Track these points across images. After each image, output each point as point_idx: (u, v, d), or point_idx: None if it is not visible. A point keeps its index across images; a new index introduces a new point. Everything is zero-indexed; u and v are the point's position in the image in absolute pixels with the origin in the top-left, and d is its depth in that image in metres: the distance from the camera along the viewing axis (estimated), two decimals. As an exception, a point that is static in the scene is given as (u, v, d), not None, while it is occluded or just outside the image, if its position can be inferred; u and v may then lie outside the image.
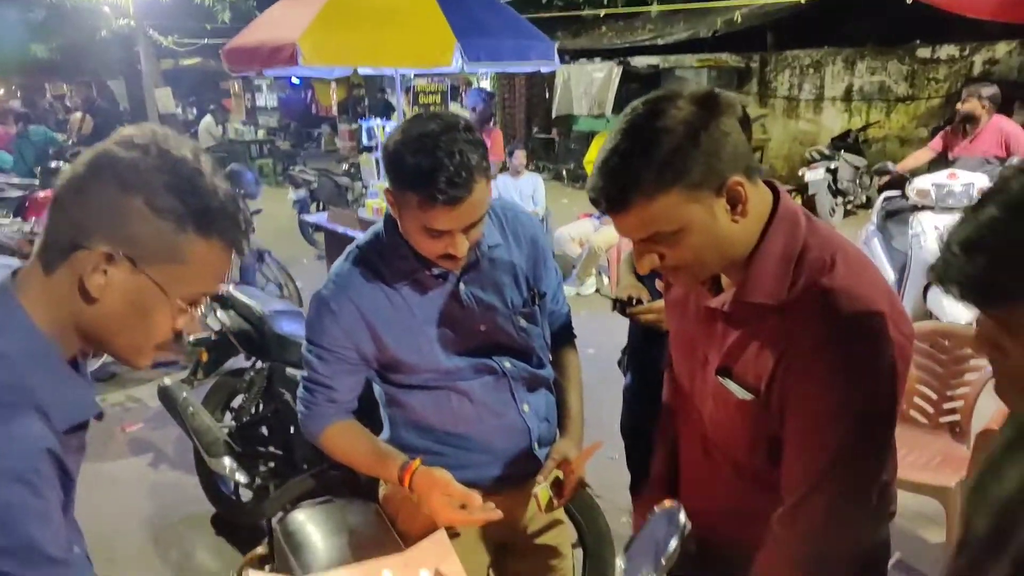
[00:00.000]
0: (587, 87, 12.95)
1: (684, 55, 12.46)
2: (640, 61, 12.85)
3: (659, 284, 1.92)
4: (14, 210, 6.34)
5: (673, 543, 1.09)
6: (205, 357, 3.48)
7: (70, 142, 9.25)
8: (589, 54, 13.58)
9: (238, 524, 3.16)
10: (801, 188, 8.60)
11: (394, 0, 4.63)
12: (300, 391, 1.59)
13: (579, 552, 2.46)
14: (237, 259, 4.86)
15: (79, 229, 0.89)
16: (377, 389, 1.65)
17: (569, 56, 14.00)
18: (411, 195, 1.34)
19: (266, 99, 22.02)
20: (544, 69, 5.26)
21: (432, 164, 1.30)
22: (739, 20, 8.33)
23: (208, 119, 13.47)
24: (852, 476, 1.11)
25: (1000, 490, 0.89)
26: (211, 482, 3.24)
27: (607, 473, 2.58)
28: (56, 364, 0.92)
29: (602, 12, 10.72)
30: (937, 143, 5.53)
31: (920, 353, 2.94)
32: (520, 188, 7.13)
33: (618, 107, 11.79)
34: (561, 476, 1.55)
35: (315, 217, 6.02)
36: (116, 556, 3.04)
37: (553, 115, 13.76)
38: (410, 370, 1.53)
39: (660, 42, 11.17)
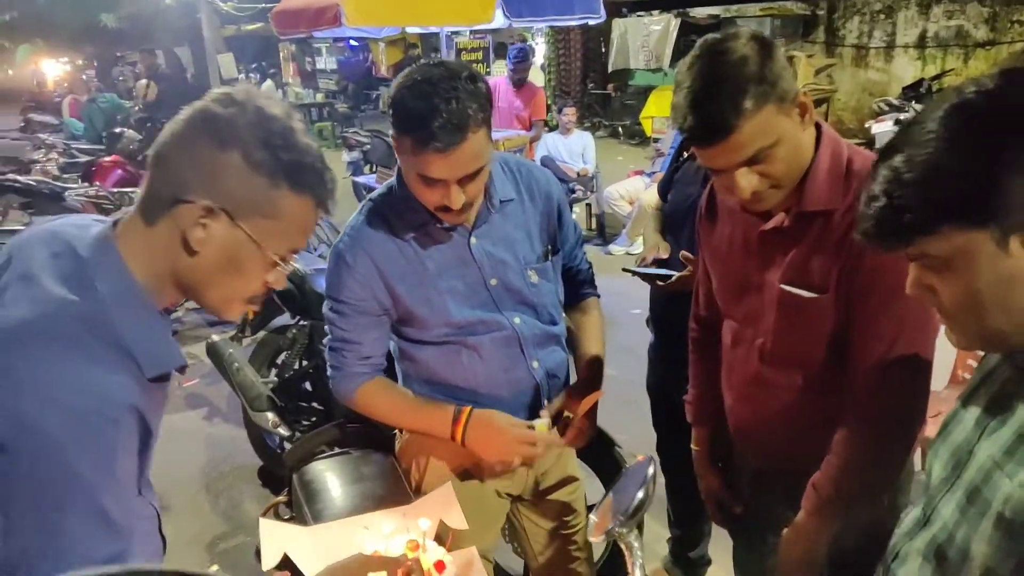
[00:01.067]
0: (644, 40, 12.64)
1: (746, 4, 11.99)
2: (699, 12, 12.44)
3: (683, 255, 1.92)
4: (82, 175, 6.61)
5: (639, 495, 1.11)
6: (251, 315, 3.60)
7: (136, 108, 9.55)
8: (646, 6, 13.20)
9: (281, 476, 3.29)
10: (868, 142, 8.24)
11: (436, -43, 4.59)
12: (327, 353, 1.61)
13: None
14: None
15: (180, 184, 0.92)
16: (392, 345, 1.68)
17: (626, 9, 13.65)
18: (407, 139, 1.35)
19: (325, 62, 22.19)
20: (591, 22, 5.13)
21: (427, 108, 1.30)
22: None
23: (269, 83, 13.70)
24: (918, 343, 1.27)
25: (957, 435, 0.91)
26: (257, 436, 3.37)
27: (640, 430, 2.58)
28: (149, 313, 0.95)
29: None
30: None
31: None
32: (570, 146, 7.04)
33: (676, 60, 11.46)
34: (569, 415, 1.56)
35: (365, 178, 6.09)
36: (170, 504, 3.21)
37: (609, 69, 13.49)
38: (421, 324, 1.55)
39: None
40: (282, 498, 1.69)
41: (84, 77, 14.18)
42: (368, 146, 9.11)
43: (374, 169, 8.50)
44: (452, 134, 1.30)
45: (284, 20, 5.01)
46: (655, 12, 13.05)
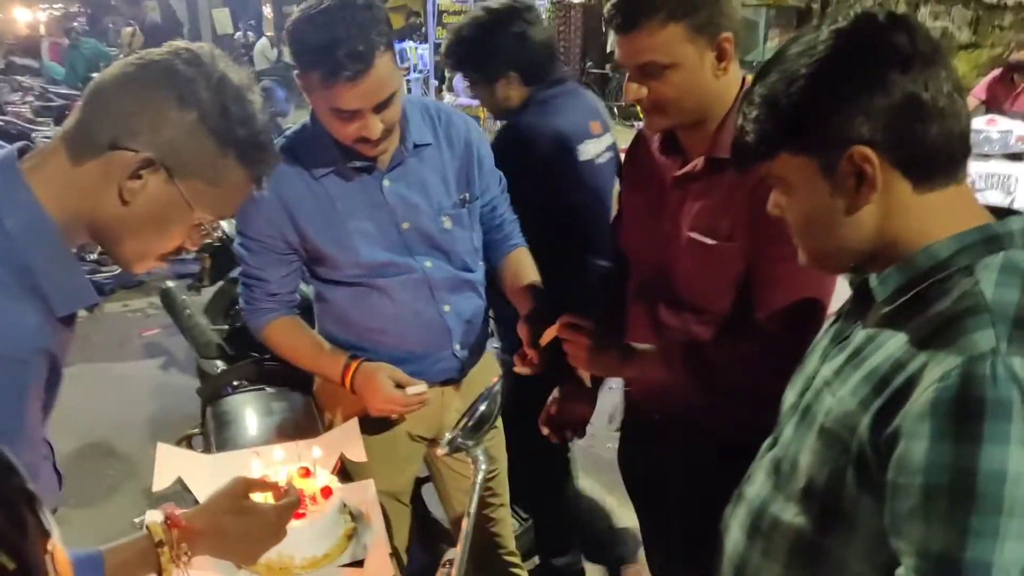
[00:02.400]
0: None
1: (744, -9, 11.95)
2: (698, -4, 12.33)
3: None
4: (55, 118, 6.54)
5: (482, 407, 1.13)
6: (209, 264, 3.58)
7: (120, 56, 9.42)
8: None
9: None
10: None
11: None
12: (240, 287, 1.62)
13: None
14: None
15: (123, 129, 0.89)
16: (310, 287, 1.68)
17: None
18: (313, 74, 1.33)
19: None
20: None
21: (329, 39, 1.29)
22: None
23: (264, 42, 13.50)
24: (816, 289, 1.30)
25: (807, 365, 0.98)
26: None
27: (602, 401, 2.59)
28: (60, 250, 0.92)
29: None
30: (980, 91, 5.21)
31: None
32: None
33: None
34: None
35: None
36: (116, 449, 3.22)
37: (607, 49, 13.39)
38: (332, 264, 1.54)
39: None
40: (194, 430, 1.70)
41: (76, 24, 13.95)
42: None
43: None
44: (358, 61, 1.28)
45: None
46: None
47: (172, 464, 1.35)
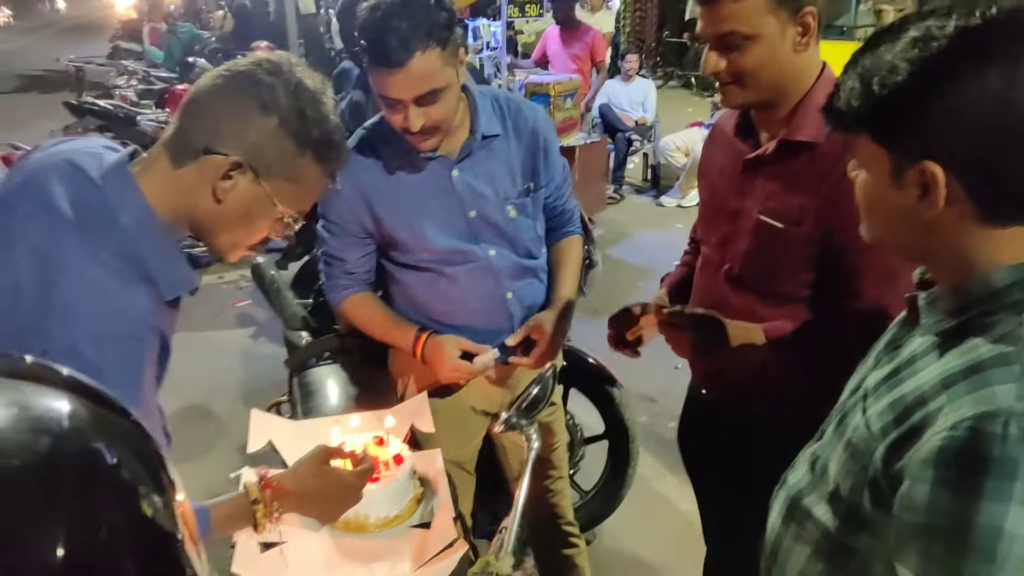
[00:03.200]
0: (726, -12, 12.21)
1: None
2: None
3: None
4: (156, 101, 6.93)
5: (534, 391, 1.23)
6: (295, 241, 3.79)
7: (212, 39, 9.85)
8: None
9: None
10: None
11: None
12: (321, 265, 1.77)
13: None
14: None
15: (214, 135, 1.02)
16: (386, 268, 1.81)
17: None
18: (367, 59, 1.45)
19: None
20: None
21: (378, 27, 1.40)
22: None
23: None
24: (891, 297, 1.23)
25: (862, 368, 1.02)
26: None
27: (669, 382, 2.67)
28: (167, 242, 1.06)
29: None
30: None
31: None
32: (630, 94, 6.97)
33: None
34: (532, 336, 1.67)
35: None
36: (212, 412, 3.50)
37: (686, 17, 13.09)
38: (403, 248, 1.67)
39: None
40: (282, 398, 1.87)
41: (172, 7, 14.58)
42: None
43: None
44: (398, 52, 1.38)
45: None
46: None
47: (264, 429, 1.51)
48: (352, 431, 1.45)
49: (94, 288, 0.97)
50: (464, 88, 1.60)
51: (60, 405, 0.45)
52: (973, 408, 0.72)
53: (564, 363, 2.21)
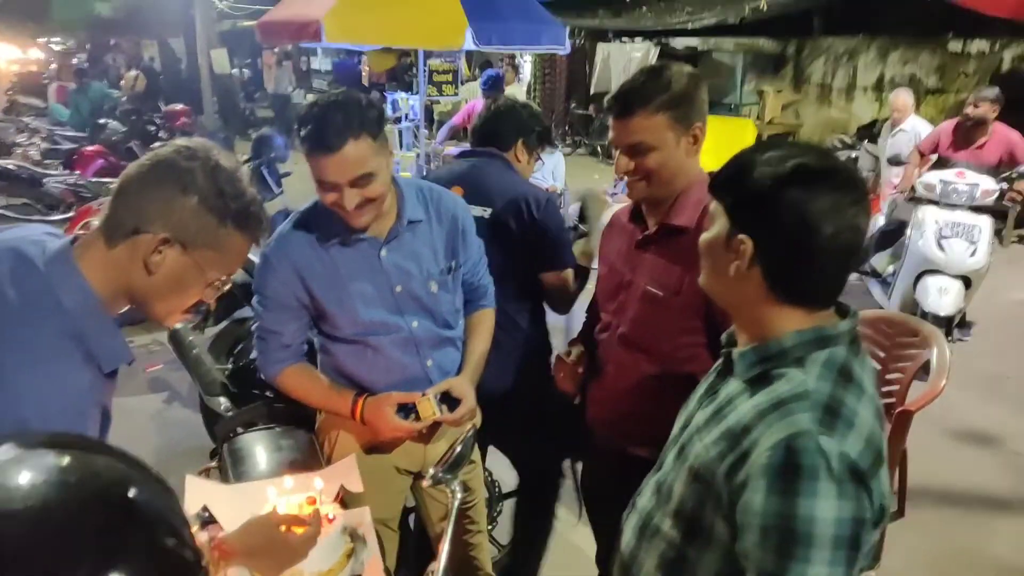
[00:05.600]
0: (626, 65, 13.01)
1: (723, 38, 12.45)
2: (679, 42, 12.86)
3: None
4: (63, 162, 6.81)
5: (458, 448, 1.40)
6: (214, 306, 3.84)
7: (123, 99, 9.74)
8: (629, 34, 13.63)
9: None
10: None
11: (414, -19, 4.89)
12: (255, 340, 1.88)
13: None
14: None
15: (142, 217, 1.13)
16: (315, 340, 1.95)
17: (611, 34, 14.06)
18: (304, 147, 1.63)
19: (320, 63, 22.38)
20: (560, 52, 5.47)
21: (317, 119, 1.59)
22: (764, 8, 8.34)
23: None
24: None
25: (690, 404, 1.27)
26: (212, 419, 3.60)
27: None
28: (105, 319, 1.14)
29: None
30: (928, 144, 5.41)
31: (865, 339, 3.12)
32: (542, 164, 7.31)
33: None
34: (453, 393, 1.83)
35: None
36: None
37: (591, 91, 13.85)
38: (333, 322, 1.81)
39: (690, 26, 11.27)
40: (213, 464, 1.95)
41: (75, 61, 14.25)
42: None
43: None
44: (331, 139, 1.57)
45: (269, 30, 5.29)
46: (637, 40, 13.48)
47: (199, 493, 1.60)
48: (287, 492, 1.57)
49: (40, 369, 1.06)
50: (393, 179, 1.79)
51: (100, 461, 0.59)
52: (785, 431, 0.97)
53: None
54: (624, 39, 13.75)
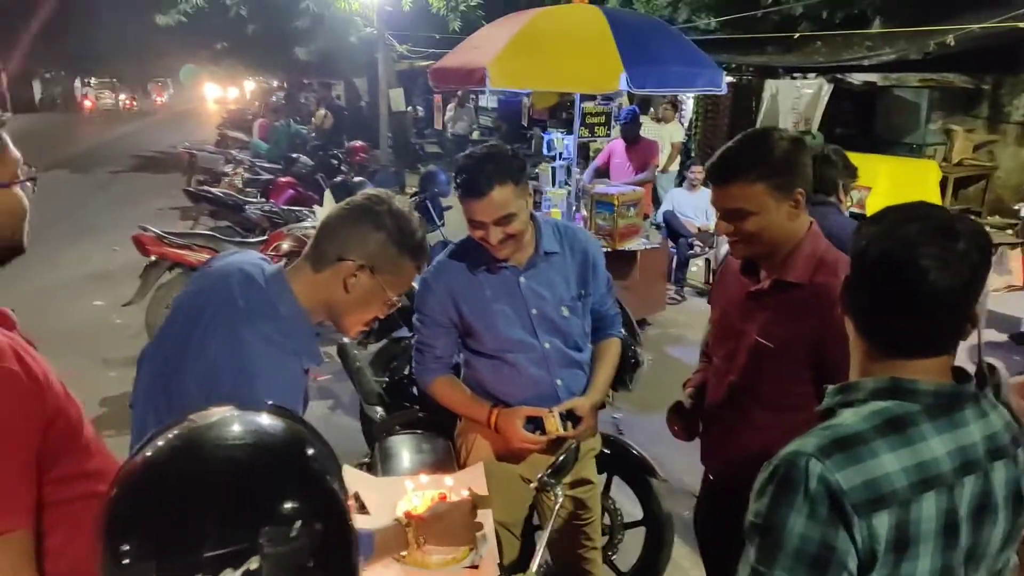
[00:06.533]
0: (795, 102, 12.67)
1: (906, 73, 11.77)
2: (856, 78, 12.34)
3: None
4: (261, 191, 7.70)
5: (561, 456, 1.57)
6: (376, 325, 4.26)
7: (312, 135, 10.81)
8: (801, 70, 13.25)
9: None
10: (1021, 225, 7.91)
11: (574, 31, 5.17)
12: (413, 352, 2.19)
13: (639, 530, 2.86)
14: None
15: (344, 248, 1.46)
16: (461, 357, 2.21)
17: (781, 70, 13.74)
18: (458, 192, 1.93)
19: (487, 101, 23.51)
20: (717, 93, 5.56)
21: (467, 169, 1.89)
22: (952, 43, 7.87)
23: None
24: None
25: None
26: (368, 425, 3.98)
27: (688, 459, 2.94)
28: (308, 327, 1.46)
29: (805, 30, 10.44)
30: None
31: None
32: (695, 202, 7.34)
33: (826, 125, 11.40)
34: (576, 411, 2.03)
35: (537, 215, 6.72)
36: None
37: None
38: (479, 338, 2.08)
39: (867, 63, 10.67)
40: (366, 459, 2.25)
41: (273, 99, 15.91)
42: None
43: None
44: (478, 185, 1.86)
45: (439, 76, 5.77)
46: (810, 75, 13.07)
47: (351, 481, 1.88)
48: (422, 486, 1.82)
49: (266, 359, 1.38)
50: (532, 216, 2.05)
51: (280, 420, 0.82)
52: (789, 448, 1.08)
53: (607, 451, 2.54)
54: (795, 75, 13.39)
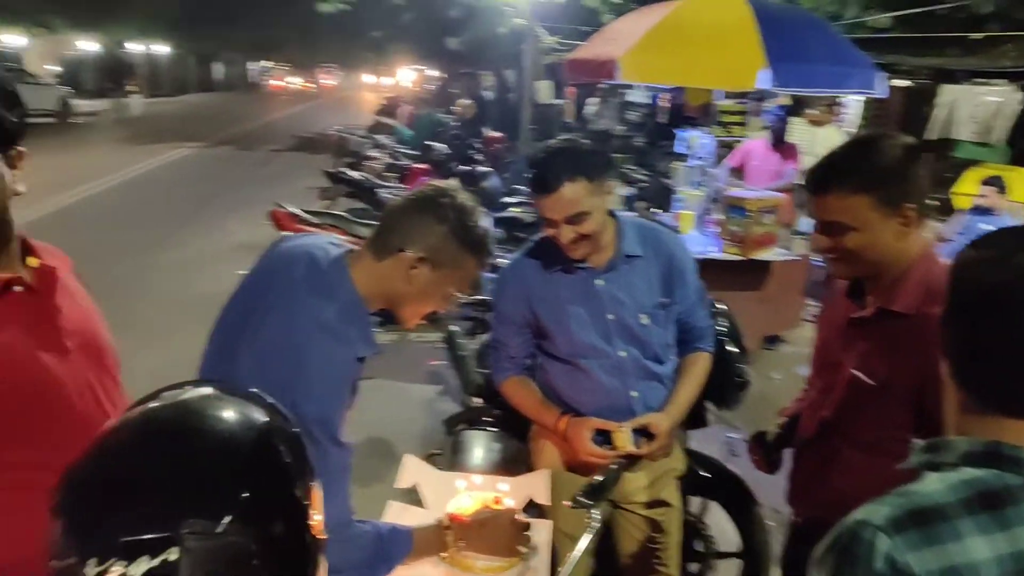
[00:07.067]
0: (974, 111, 11.56)
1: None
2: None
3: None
4: (399, 176, 7.94)
5: (598, 476, 1.45)
6: (485, 316, 4.25)
7: (454, 124, 11.02)
8: (985, 75, 12.04)
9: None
10: None
11: (716, 23, 4.91)
12: (489, 349, 2.14)
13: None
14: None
15: (406, 239, 1.44)
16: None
17: (960, 75, 12.56)
18: (529, 188, 1.85)
19: (635, 96, 23.03)
20: (877, 96, 5.11)
21: (537, 163, 1.81)
22: None
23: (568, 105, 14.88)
24: None
25: None
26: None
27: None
28: (365, 316, 1.46)
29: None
30: None
31: None
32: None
33: (1016, 136, 10.33)
34: (649, 428, 1.90)
35: (627, 215, 6.55)
36: (391, 449, 3.98)
37: (925, 136, 12.50)
38: (552, 340, 1.98)
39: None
40: (437, 451, 2.22)
41: (420, 87, 16.39)
42: (644, 184, 9.56)
43: (649, 207, 8.85)
44: (549, 182, 1.76)
45: (573, 67, 5.69)
46: (996, 81, 11.85)
47: (413, 472, 1.86)
48: (475, 487, 1.76)
49: (318, 343, 1.38)
50: (615, 216, 1.92)
51: (257, 414, 0.77)
52: (859, 514, 0.91)
53: (706, 474, 2.39)
54: (977, 80, 12.18)
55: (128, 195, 11.04)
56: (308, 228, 5.19)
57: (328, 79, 48.31)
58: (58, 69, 29.35)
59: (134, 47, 32.68)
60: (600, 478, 1.55)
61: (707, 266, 5.03)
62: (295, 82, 46.54)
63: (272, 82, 45.83)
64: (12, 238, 1.24)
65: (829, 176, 1.50)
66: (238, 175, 12.70)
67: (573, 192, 1.77)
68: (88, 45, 30.53)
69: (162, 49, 34.36)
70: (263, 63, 44.98)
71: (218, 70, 43.07)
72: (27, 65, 23.36)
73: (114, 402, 1.33)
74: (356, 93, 38.58)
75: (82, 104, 23.13)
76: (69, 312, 1.29)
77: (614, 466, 1.61)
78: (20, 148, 1.21)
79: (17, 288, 1.21)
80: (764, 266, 5.38)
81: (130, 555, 0.63)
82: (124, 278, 6.63)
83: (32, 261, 1.27)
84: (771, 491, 2.41)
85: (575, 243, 1.83)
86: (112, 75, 26.43)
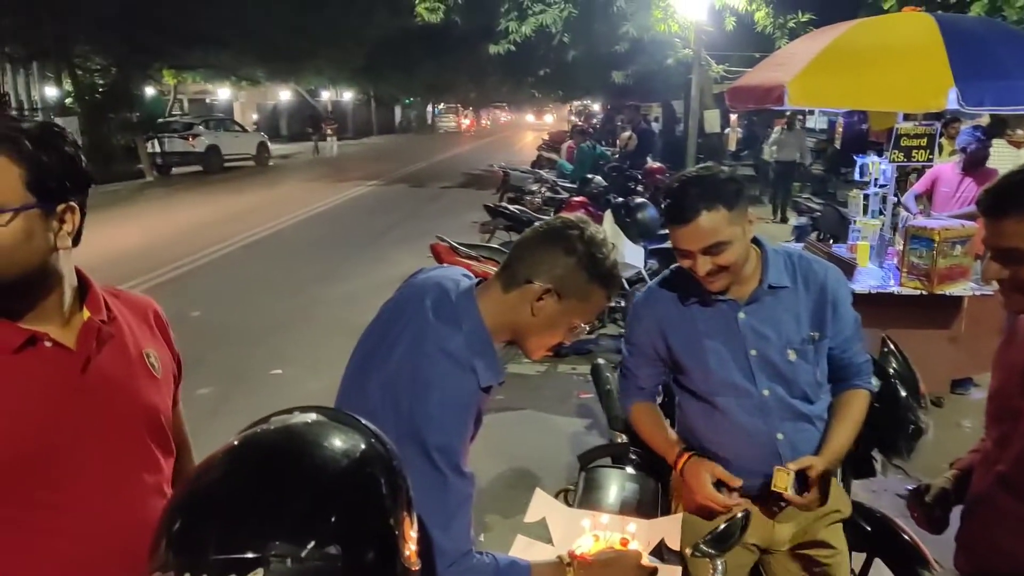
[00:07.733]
0: None
1: None
2: None
3: None
4: (555, 209, 8.02)
5: (722, 526, 1.30)
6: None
7: (615, 156, 11.02)
8: None
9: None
10: None
11: (897, 42, 4.53)
12: (619, 375, 2.07)
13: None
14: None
15: (534, 270, 1.42)
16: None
17: None
18: (664, 218, 1.76)
19: (815, 122, 21.93)
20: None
21: (673, 193, 1.71)
22: None
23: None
24: None
25: None
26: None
27: None
28: (490, 346, 1.43)
29: None
30: None
31: None
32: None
33: None
34: (807, 473, 1.72)
35: (791, 246, 6.17)
36: (536, 477, 3.93)
37: None
38: (688, 375, 1.88)
39: None
40: (570, 486, 2.15)
41: (579, 123, 16.56)
42: (818, 213, 9.01)
43: (822, 237, 8.31)
44: (684, 212, 1.67)
45: (736, 95, 5.47)
46: None
47: (542, 507, 1.80)
48: (601, 527, 1.67)
49: (442, 370, 1.39)
50: (759, 244, 1.80)
51: (356, 441, 0.77)
52: None
53: (868, 527, 2.16)
54: None
55: (310, 229, 11.99)
56: (465, 261, 5.34)
57: (496, 117, 50.43)
58: (256, 117, 32.75)
59: (324, 94, 35.81)
60: (723, 525, 1.42)
61: (883, 301, 4.73)
62: (466, 122, 49.07)
63: (445, 123, 48.49)
64: (55, 290, 1.24)
65: (1006, 197, 1.33)
66: (409, 210, 13.42)
67: (710, 222, 1.67)
68: (283, 94, 33.85)
69: (346, 95, 37.34)
70: (441, 105, 47.89)
71: (399, 113, 46.24)
72: (235, 115, 26.28)
73: (145, 463, 1.33)
74: (523, 130, 39.84)
75: (278, 148, 25.61)
76: (110, 369, 1.29)
77: (740, 514, 1.47)
78: (72, 203, 1.24)
79: (47, 344, 1.22)
80: (953, 302, 4.85)
81: (219, 573, 0.65)
82: (296, 310, 7.17)
83: (83, 314, 1.29)
84: (947, 552, 2.13)
85: (713, 275, 1.72)
86: (312, 121, 29.09)
